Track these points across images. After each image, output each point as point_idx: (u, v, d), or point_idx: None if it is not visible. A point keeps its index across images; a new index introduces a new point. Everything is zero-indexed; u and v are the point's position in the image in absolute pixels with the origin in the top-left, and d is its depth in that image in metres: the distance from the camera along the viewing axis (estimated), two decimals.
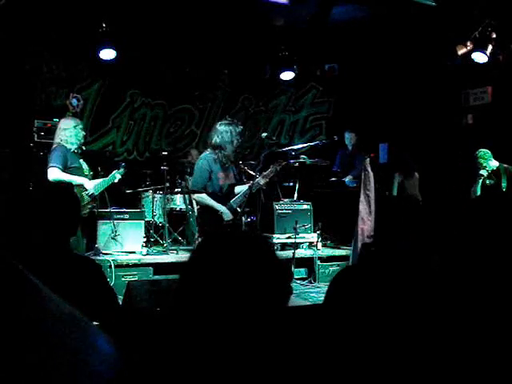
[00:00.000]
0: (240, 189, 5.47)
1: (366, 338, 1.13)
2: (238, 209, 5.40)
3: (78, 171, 5.11)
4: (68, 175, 5.00)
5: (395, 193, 7.01)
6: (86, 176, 5.20)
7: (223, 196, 5.37)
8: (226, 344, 1.00)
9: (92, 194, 5.15)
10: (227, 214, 5.20)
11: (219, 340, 1.00)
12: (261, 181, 5.36)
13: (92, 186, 5.15)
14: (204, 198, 5.23)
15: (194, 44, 7.47)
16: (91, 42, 6.70)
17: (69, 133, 5.08)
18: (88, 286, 2.11)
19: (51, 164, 4.95)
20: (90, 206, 5.17)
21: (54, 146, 5.13)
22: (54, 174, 4.93)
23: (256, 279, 1.04)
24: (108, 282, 2.46)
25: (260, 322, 1.03)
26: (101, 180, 5.37)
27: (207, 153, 5.37)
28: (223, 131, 5.19)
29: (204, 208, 5.39)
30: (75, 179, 5.03)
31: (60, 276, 1.99)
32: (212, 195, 5.30)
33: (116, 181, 5.47)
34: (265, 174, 5.44)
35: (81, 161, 5.23)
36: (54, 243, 2.20)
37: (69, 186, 4.76)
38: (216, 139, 5.22)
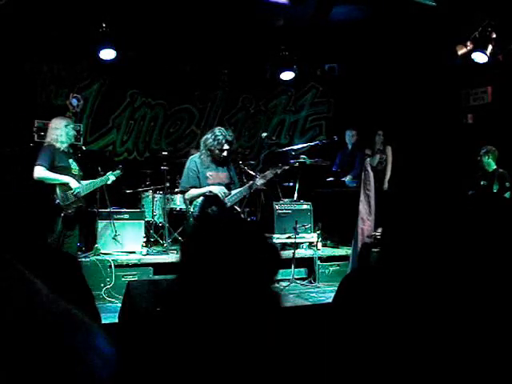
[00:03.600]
0: (237, 190, 5.47)
1: (374, 339, 1.13)
2: (237, 208, 5.41)
3: (65, 170, 5.11)
4: (53, 174, 5.01)
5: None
6: (74, 175, 5.17)
7: (215, 195, 5.35)
8: (223, 335, 1.00)
9: (77, 193, 5.12)
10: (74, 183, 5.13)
11: (216, 332, 1.00)
12: (258, 181, 5.41)
13: (78, 185, 5.13)
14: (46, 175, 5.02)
15: (194, 44, 7.46)
16: (91, 41, 6.70)
17: (59, 132, 5.11)
18: (63, 283, 2.13)
19: (37, 162, 4.98)
20: (75, 205, 5.11)
21: (44, 144, 5.19)
22: (39, 172, 4.96)
23: (243, 257, 1.06)
24: (85, 282, 2.46)
25: (251, 303, 1.03)
26: (91, 180, 5.36)
27: (196, 154, 5.42)
28: (216, 135, 5.25)
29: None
30: (60, 178, 5.04)
31: (34, 271, 2.08)
32: (202, 195, 5.31)
33: (109, 182, 5.47)
34: (263, 175, 5.48)
35: (70, 160, 5.22)
36: (29, 240, 2.33)
37: (44, 186, 4.84)
38: (208, 140, 5.29)
